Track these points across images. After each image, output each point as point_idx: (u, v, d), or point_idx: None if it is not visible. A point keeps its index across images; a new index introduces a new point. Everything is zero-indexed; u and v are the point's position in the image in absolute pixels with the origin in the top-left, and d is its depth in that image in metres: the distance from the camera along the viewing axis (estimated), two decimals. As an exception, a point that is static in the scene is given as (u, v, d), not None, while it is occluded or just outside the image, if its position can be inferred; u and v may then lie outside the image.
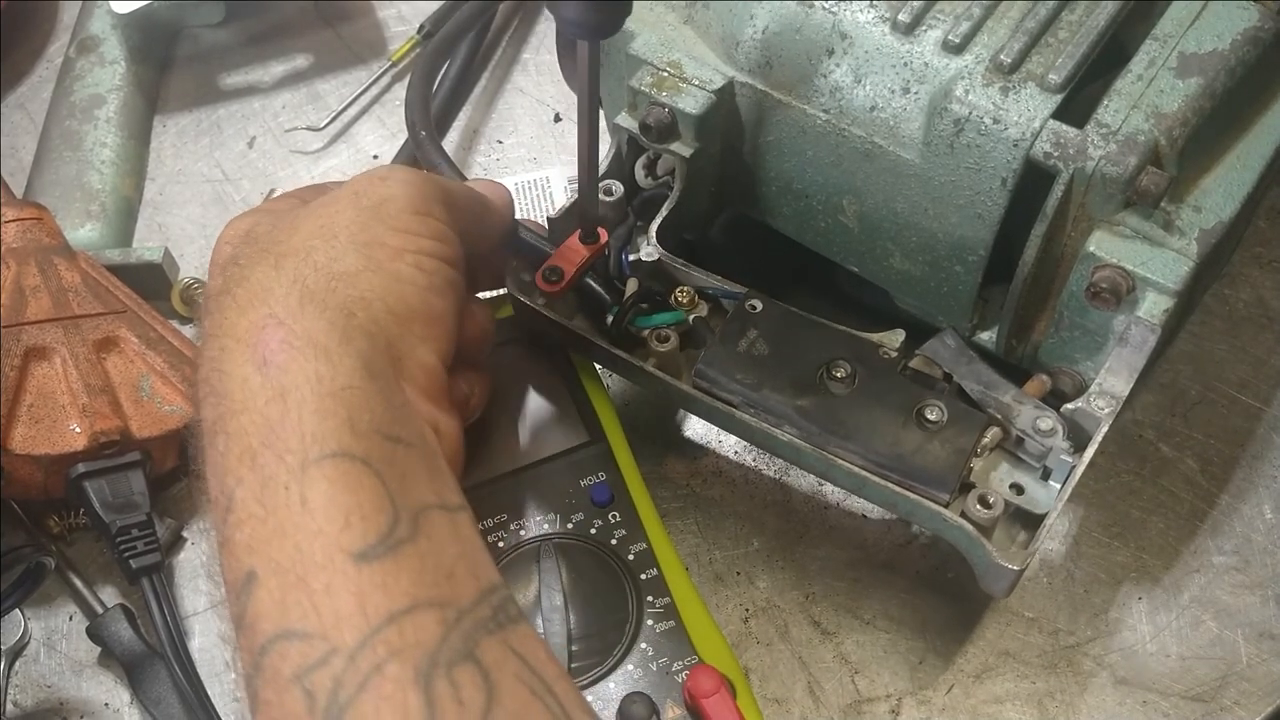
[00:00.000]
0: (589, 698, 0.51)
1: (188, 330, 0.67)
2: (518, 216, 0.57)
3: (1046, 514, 0.50)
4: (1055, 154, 0.50)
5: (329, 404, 0.41)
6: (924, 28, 0.53)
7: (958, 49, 0.52)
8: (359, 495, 0.39)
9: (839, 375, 0.53)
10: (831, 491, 0.61)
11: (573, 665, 0.52)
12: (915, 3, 0.53)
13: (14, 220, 0.63)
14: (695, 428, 0.64)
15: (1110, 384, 0.51)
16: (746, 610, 0.58)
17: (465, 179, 0.63)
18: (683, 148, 0.56)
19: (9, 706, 0.58)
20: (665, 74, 0.56)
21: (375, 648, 0.37)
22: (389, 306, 0.45)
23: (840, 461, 0.52)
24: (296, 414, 0.40)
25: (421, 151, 0.67)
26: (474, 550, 0.42)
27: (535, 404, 0.60)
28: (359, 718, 0.36)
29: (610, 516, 0.55)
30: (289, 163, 0.76)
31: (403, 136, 0.72)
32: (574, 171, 0.73)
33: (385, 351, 0.44)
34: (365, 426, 0.41)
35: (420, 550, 0.39)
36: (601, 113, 0.64)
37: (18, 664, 0.59)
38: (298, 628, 0.37)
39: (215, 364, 0.43)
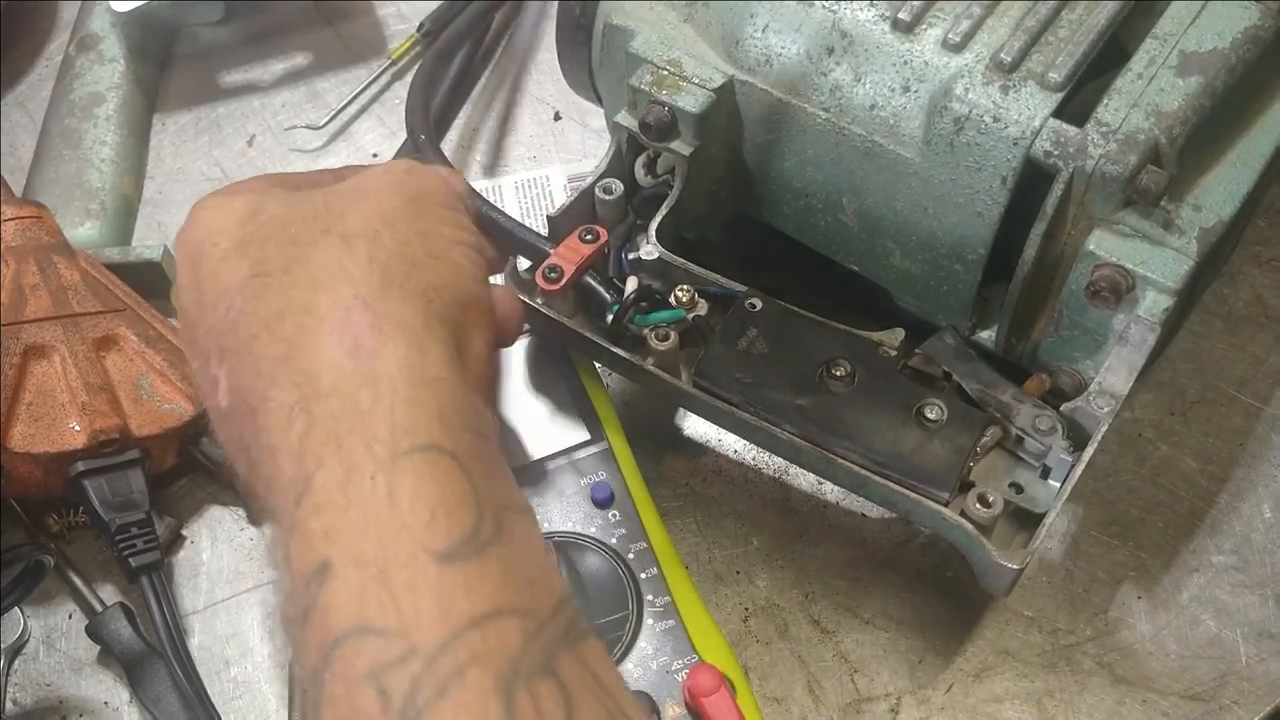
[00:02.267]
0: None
1: (187, 329, 0.68)
2: (517, 216, 0.57)
3: (1046, 513, 0.50)
4: (1055, 152, 0.50)
5: (421, 394, 0.40)
6: (924, 26, 0.53)
7: (958, 47, 0.52)
8: (445, 491, 0.38)
9: (839, 374, 0.53)
10: (831, 490, 0.61)
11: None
12: (915, 1, 0.53)
13: (13, 219, 0.63)
14: (695, 426, 0.64)
15: (1110, 383, 0.51)
16: (746, 609, 0.58)
17: (468, 183, 0.63)
18: (682, 146, 0.56)
19: (8, 705, 0.58)
20: (665, 72, 0.56)
21: (456, 651, 0.35)
22: (455, 295, 0.45)
23: (840, 460, 0.52)
24: (389, 402, 0.39)
25: (421, 156, 0.67)
26: (545, 557, 0.41)
27: (535, 403, 0.60)
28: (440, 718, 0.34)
29: (610, 515, 0.55)
30: (288, 161, 0.76)
31: (402, 135, 0.72)
32: (574, 169, 0.73)
33: (455, 339, 0.44)
34: (454, 420, 0.40)
35: (504, 554, 0.38)
36: (602, 111, 0.64)
37: (17, 662, 0.59)
38: (376, 624, 0.36)
39: (293, 342, 0.41)
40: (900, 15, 0.53)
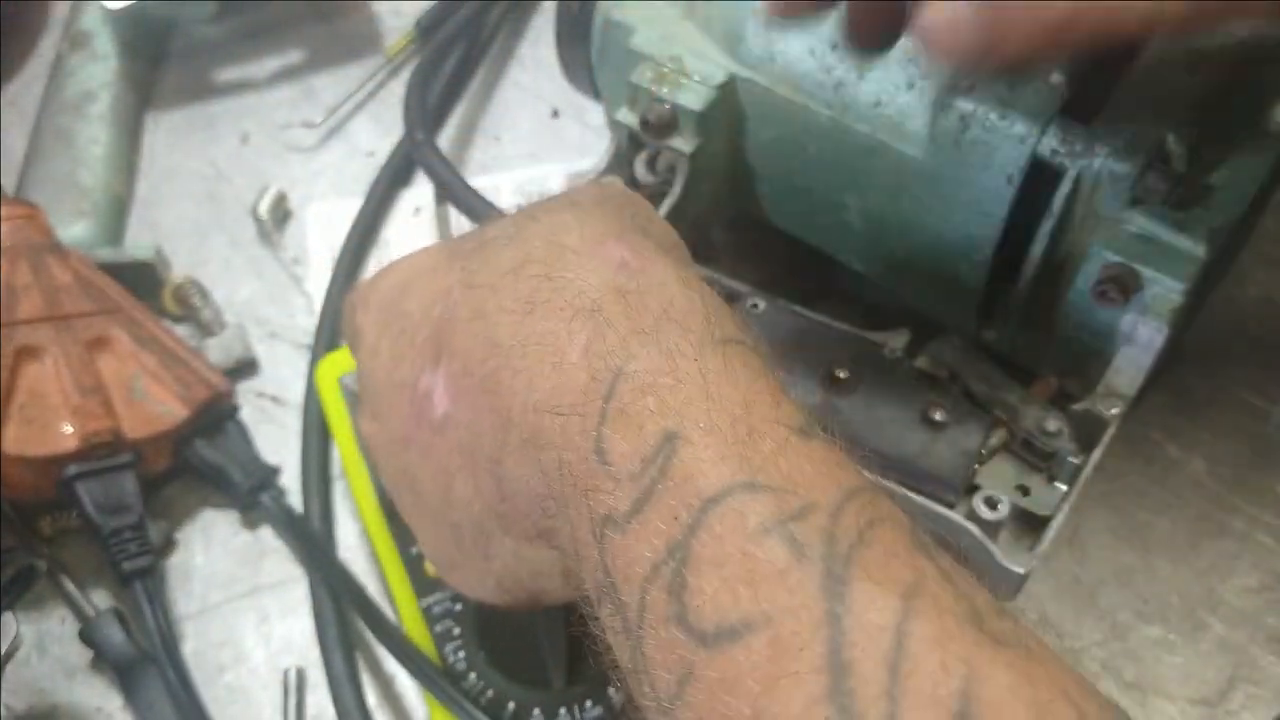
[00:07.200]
0: (588, 700, 0.51)
1: (180, 329, 0.67)
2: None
3: (1053, 516, 0.50)
4: (1062, 150, 0.49)
5: (707, 296, 0.39)
6: (929, 22, 0.52)
7: (963, 44, 0.51)
8: (769, 379, 0.37)
9: (843, 376, 0.53)
10: (834, 492, 0.60)
11: (574, 664, 0.51)
12: (920, -3, 0.52)
13: (5, 218, 0.62)
14: (696, 428, 0.63)
15: (1117, 384, 0.51)
16: (748, 613, 0.57)
17: (464, 180, 0.62)
18: (684, 144, 0.55)
19: (0, 711, 0.57)
20: (666, 69, 0.55)
21: (856, 511, 0.33)
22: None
23: (844, 463, 0.51)
24: (683, 301, 0.38)
25: (418, 153, 0.67)
26: None
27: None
28: (868, 565, 0.32)
29: (610, 518, 0.55)
30: (283, 159, 0.75)
31: (399, 132, 0.71)
32: (573, 167, 0.73)
33: None
34: (740, 321, 0.39)
35: (829, 443, 0.36)
36: (601, 107, 0.63)
37: (9, 668, 0.58)
38: (761, 480, 0.33)
39: (548, 274, 0.40)
40: (905, 11, 0.52)
